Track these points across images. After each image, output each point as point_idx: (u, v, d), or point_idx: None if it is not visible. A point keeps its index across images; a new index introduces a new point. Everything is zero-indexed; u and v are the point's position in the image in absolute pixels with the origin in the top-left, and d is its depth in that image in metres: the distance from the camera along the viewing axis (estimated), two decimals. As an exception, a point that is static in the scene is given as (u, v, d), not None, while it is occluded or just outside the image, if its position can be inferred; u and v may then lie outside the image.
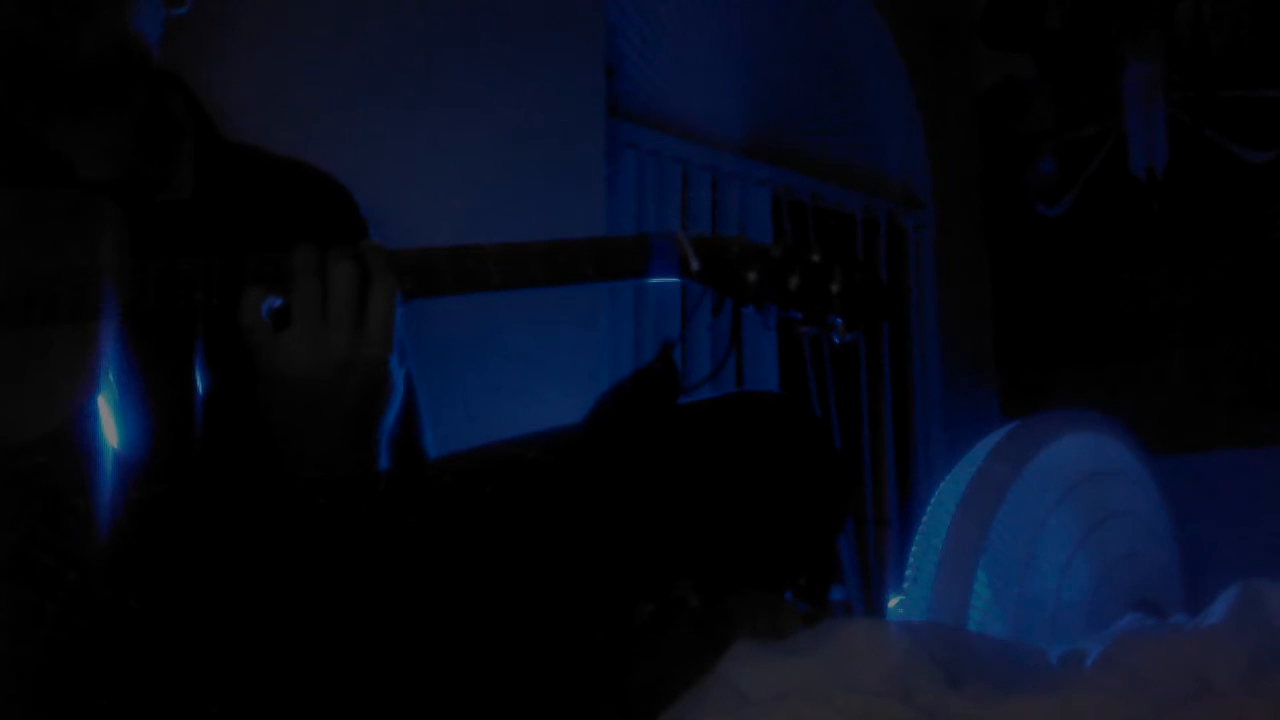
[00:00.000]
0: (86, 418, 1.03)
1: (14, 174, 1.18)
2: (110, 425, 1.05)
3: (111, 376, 1.05)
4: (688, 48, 2.55)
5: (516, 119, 2.05)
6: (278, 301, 1.08)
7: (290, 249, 1.09)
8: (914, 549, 1.79)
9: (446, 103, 1.96)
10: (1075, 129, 3.05)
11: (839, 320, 1.18)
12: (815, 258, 1.18)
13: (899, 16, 2.94)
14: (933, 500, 1.82)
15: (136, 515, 0.99)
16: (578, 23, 2.20)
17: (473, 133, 1.99)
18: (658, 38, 2.49)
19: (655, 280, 1.18)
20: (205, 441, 1.16)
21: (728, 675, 0.94)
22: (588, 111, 2.20)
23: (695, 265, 1.17)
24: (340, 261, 1.08)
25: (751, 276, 1.17)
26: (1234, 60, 2.83)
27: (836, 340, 1.19)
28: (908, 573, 1.78)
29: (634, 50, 2.44)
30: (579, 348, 2.07)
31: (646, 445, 1.12)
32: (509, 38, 2.05)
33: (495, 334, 1.87)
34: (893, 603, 1.86)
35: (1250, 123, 2.79)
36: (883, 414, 2.82)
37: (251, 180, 1.29)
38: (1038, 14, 3.14)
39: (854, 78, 2.89)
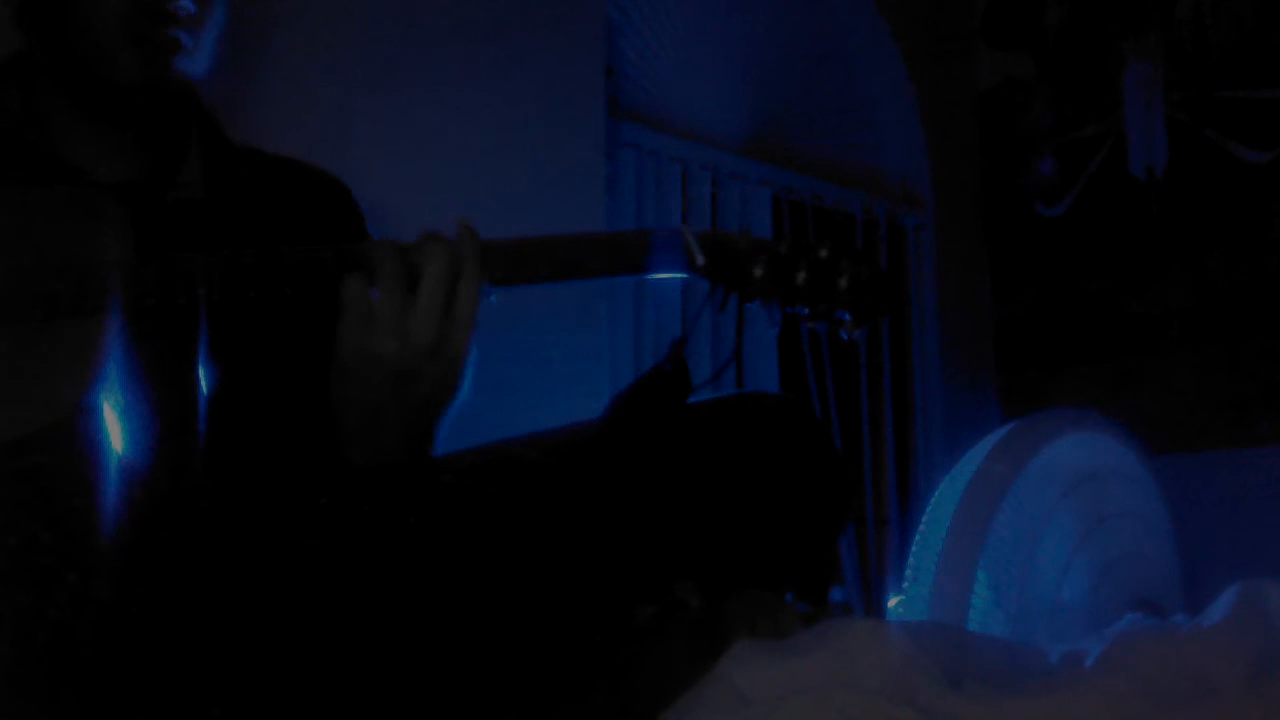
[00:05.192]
0: (87, 416, 1.03)
1: (25, 177, 1.18)
2: (112, 424, 1.05)
3: (113, 374, 1.05)
4: (688, 47, 2.55)
5: (516, 118, 2.04)
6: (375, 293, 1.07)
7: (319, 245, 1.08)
8: (914, 549, 1.79)
9: (446, 102, 1.96)
10: (1075, 129, 3.05)
11: (846, 315, 1.17)
12: (823, 253, 1.17)
13: (900, 16, 2.94)
14: (933, 500, 1.82)
15: (137, 515, 0.99)
16: (578, 22, 2.20)
17: (472, 132, 1.99)
18: (658, 37, 2.49)
19: (660, 275, 1.18)
20: (208, 440, 1.16)
21: (728, 675, 0.94)
22: (588, 111, 2.20)
23: (701, 260, 1.16)
24: (436, 245, 1.07)
25: (758, 272, 1.16)
26: (1234, 60, 2.83)
27: (845, 336, 1.18)
28: (908, 573, 1.78)
29: (634, 50, 2.44)
30: (578, 347, 2.07)
31: (648, 446, 1.12)
32: (509, 37, 2.05)
33: (494, 332, 1.86)
34: (893, 603, 1.86)
35: (1250, 123, 2.79)
36: (883, 414, 2.82)
37: (256, 179, 1.30)
38: (1038, 14, 3.14)
39: (854, 78, 2.89)
